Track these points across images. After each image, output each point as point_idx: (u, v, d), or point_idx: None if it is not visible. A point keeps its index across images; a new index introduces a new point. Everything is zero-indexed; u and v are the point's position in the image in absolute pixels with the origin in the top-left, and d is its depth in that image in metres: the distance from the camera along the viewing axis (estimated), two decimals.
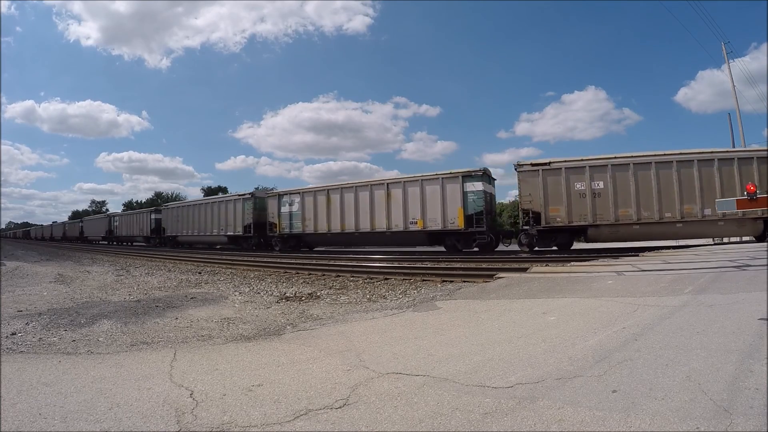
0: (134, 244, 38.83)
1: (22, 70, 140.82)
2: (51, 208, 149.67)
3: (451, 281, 9.21)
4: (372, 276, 10.92)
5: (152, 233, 35.10)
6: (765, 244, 11.89)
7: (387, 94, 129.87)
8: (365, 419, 2.42)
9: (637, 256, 11.22)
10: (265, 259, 16.86)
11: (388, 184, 18.85)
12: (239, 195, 26.33)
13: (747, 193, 13.59)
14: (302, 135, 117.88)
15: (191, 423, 2.45)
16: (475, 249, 16.65)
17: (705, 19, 75.41)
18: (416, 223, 17.76)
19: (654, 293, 5.53)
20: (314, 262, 15.48)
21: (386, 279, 10.36)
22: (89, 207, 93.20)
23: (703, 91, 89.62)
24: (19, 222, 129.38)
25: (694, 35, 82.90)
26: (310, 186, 22.60)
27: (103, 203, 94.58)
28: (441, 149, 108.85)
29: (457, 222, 16.62)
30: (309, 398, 2.75)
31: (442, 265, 12.49)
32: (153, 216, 35.65)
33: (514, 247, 16.92)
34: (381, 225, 18.81)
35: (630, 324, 4.11)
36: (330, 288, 9.66)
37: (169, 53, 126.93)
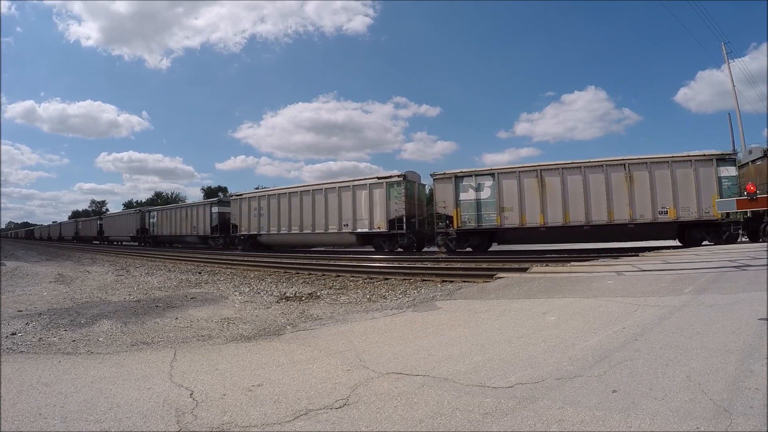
0: (181, 246, 30.92)
1: (22, 70, 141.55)
2: (51, 208, 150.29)
3: (451, 281, 9.21)
4: (372, 276, 10.92)
5: (214, 232, 27.55)
6: (765, 244, 11.88)
7: (387, 94, 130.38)
8: (365, 419, 2.42)
9: (637, 256, 11.22)
10: (265, 259, 16.87)
11: (628, 164, 15.25)
12: (380, 177, 18.98)
13: (747, 193, 13.59)
14: (302, 135, 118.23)
15: (191, 423, 2.45)
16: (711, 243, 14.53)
17: (705, 19, 75.46)
18: (667, 212, 14.88)
19: (654, 293, 5.53)
20: (314, 262, 15.48)
21: (386, 279, 10.36)
22: (89, 207, 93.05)
23: (703, 91, 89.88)
24: (19, 222, 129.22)
25: (694, 35, 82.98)
26: (512, 165, 17.10)
27: (103, 203, 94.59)
28: (441, 149, 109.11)
29: (711, 212, 14.39)
30: (309, 398, 2.75)
31: (442, 265, 12.49)
32: (215, 209, 27.50)
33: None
34: (622, 215, 15.21)
35: (630, 324, 4.11)
36: (330, 288, 9.66)
37: (169, 53, 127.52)
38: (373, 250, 19.54)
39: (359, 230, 19.25)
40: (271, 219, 22.92)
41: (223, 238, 26.81)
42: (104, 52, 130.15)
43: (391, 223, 18.27)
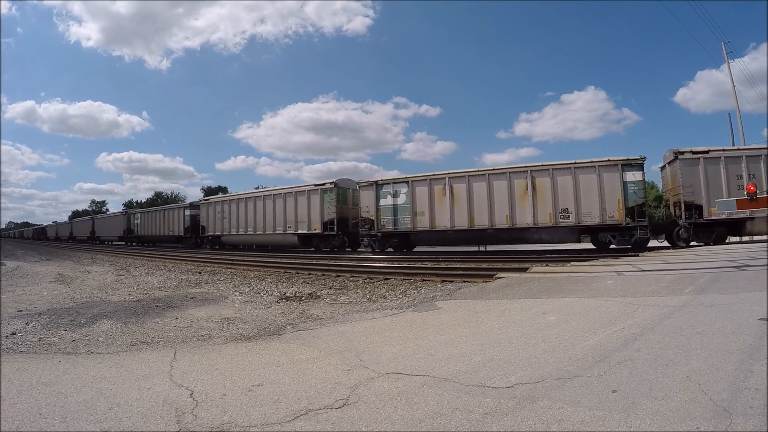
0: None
1: (22, 70, 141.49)
2: (51, 208, 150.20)
3: (451, 281, 9.20)
4: (372, 276, 10.92)
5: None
6: (765, 244, 11.87)
7: (387, 94, 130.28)
8: (365, 419, 2.42)
9: (637, 256, 11.22)
10: (265, 259, 16.86)
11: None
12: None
13: (747, 193, 13.57)
14: (302, 135, 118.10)
15: (191, 423, 2.45)
16: None
17: (705, 19, 75.41)
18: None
19: (654, 293, 5.53)
20: (314, 262, 15.47)
21: (386, 279, 10.36)
22: (89, 207, 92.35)
23: (702, 91, 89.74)
24: (19, 222, 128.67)
25: (693, 35, 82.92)
26: None
27: (103, 203, 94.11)
28: (441, 149, 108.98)
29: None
30: (309, 398, 2.75)
31: (442, 265, 12.49)
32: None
33: None
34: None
35: (630, 324, 4.11)
36: (330, 288, 9.66)
37: (169, 54, 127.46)
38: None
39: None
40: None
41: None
42: (104, 52, 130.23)
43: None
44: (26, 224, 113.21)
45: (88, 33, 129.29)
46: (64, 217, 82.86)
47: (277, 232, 22.61)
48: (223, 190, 64.40)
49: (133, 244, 35.67)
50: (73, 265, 17.80)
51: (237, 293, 9.10)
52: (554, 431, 2.18)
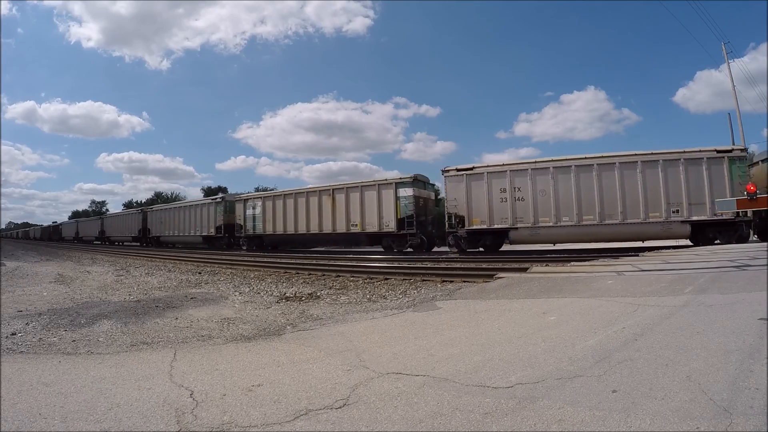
0: None
1: (23, 71, 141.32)
2: (51, 208, 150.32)
3: (451, 281, 9.20)
4: (372, 276, 10.92)
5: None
6: (765, 244, 11.86)
7: (387, 94, 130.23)
8: (365, 419, 2.42)
9: (637, 256, 11.21)
10: (265, 259, 16.86)
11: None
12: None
13: (747, 193, 13.56)
14: (302, 135, 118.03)
15: (191, 423, 2.45)
16: None
17: (705, 19, 75.48)
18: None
19: (654, 293, 5.53)
20: (314, 262, 15.47)
21: (386, 279, 10.36)
22: (89, 207, 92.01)
23: (701, 91, 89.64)
24: (19, 222, 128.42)
25: (693, 35, 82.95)
26: None
27: (103, 203, 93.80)
28: (441, 149, 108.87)
29: None
30: (309, 398, 2.75)
31: (442, 265, 12.49)
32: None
33: None
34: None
35: (630, 324, 4.11)
36: (330, 288, 9.66)
37: (170, 54, 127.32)
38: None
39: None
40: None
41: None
42: (105, 53, 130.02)
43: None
44: (26, 224, 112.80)
45: (88, 33, 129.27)
46: (64, 218, 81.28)
47: (630, 221, 14.50)
48: (223, 190, 63.60)
49: (206, 240, 27.76)
50: (73, 266, 17.80)
51: (237, 293, 9.10)
52: (554, 431, 2.18)
